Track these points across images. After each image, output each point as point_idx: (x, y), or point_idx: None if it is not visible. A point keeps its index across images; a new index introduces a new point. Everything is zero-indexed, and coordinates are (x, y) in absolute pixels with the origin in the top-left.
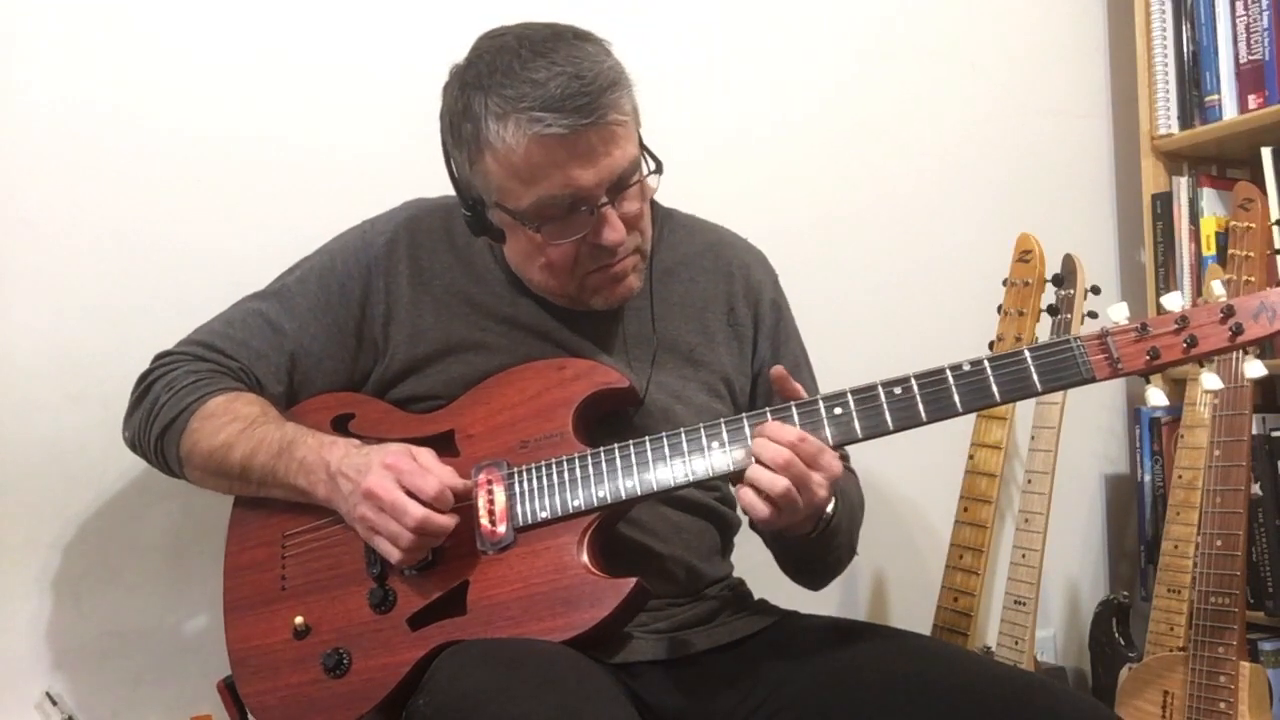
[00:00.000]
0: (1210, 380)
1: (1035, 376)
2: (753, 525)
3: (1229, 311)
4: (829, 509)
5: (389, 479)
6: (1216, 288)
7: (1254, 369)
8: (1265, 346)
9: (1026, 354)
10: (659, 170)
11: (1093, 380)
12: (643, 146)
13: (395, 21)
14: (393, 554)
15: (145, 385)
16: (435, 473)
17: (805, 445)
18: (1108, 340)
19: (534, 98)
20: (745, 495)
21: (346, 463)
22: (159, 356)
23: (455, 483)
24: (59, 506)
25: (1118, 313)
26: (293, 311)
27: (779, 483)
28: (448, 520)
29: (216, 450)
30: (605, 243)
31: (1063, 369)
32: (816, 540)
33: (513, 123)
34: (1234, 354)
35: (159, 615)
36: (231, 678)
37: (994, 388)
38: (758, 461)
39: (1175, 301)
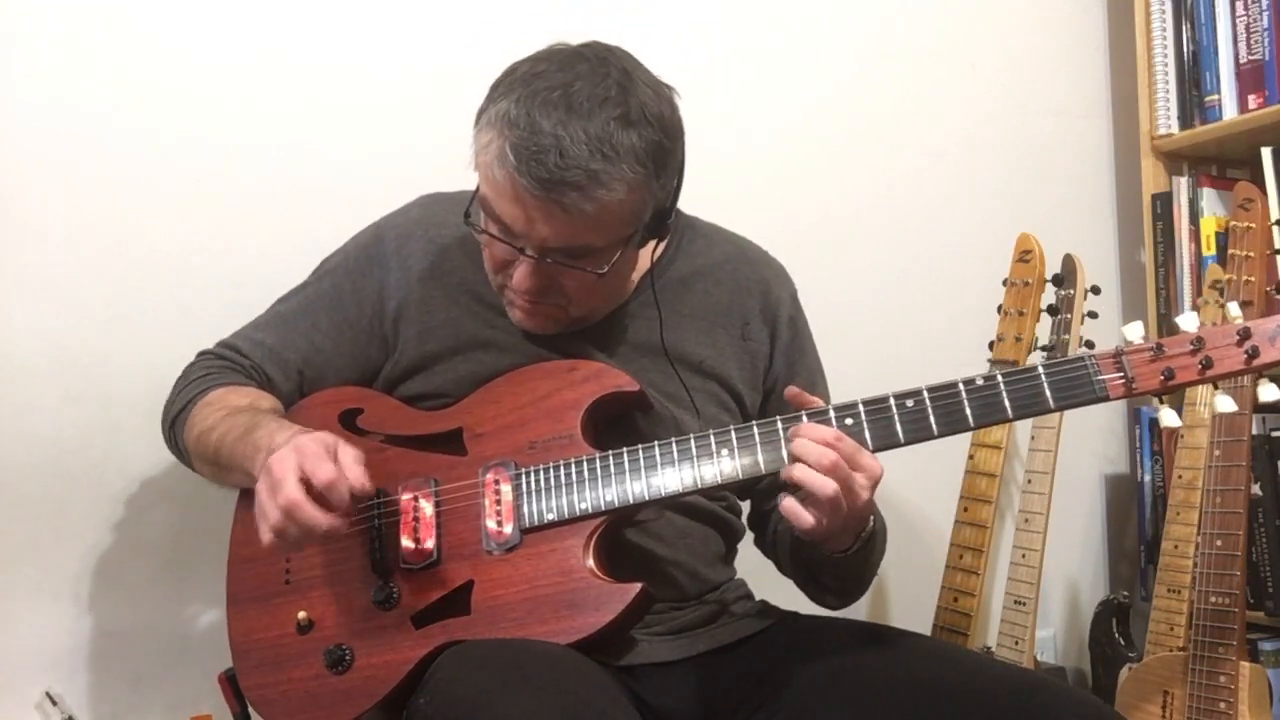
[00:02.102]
0: (1224, 402)
1: (1049, 394)
2: (792, 547)
3: (1245, 334)
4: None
5: (290, 459)
6: (1233, 309)
7: (1269, 392)
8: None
9: (1041, 371)
10: (600, 278)
11: (1106, 399)
12: (615, 246)
13: (395, 21)
14: (263, 535)
15: (175, 382)
16: (344, 466)
17: (843, 444)
18: (1123, 359)
19: (519, 134)
20: (789, 504)
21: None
22: (198, 355)
23: (360, 484)
24: (59, 506)
25: (1133, 332)
26: (307, 309)
27: (829, 486)
28: (319, 516)
29: (203, 435)
30: (511, 280)
31: (1077, 387)
32: (855, 555)
33: (494, 134)
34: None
35: (159, 615)
36: (233, 669)
37: (1006, 403)
38: (800, 463)
39: (1190, 322)
